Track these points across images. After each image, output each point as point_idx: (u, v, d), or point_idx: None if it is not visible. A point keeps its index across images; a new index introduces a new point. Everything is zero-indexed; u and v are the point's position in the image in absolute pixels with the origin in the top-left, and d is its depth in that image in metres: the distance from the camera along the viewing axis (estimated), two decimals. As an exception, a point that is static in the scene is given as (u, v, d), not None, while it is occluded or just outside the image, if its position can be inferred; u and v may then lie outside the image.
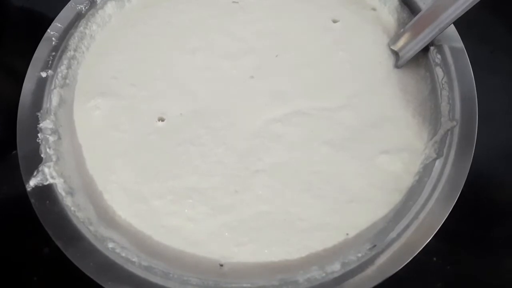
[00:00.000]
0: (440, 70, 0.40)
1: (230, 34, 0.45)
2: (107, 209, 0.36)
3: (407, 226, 0.33)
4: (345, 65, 0.43)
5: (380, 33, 0.45)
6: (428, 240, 0.32)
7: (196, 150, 0.39)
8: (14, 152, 0.36)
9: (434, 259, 0.39)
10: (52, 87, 0.40)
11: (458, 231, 0.39)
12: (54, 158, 0.36)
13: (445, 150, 0.36)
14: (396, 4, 0.45)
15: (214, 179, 0.37)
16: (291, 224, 0.35)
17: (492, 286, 0.39)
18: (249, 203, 0.36)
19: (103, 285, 0.31)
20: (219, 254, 0.34)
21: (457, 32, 0.41)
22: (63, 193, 0.35)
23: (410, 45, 0.41)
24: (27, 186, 0.34)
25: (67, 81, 0.41)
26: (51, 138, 0.37)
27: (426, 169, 0.36)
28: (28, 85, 0.39)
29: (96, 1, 0.45)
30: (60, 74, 0.41)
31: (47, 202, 0.34)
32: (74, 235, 0.33)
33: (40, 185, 0.35)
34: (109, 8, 0.46)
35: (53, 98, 0.39)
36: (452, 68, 0.39)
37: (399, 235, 0.32)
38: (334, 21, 0.45)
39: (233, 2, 0.47)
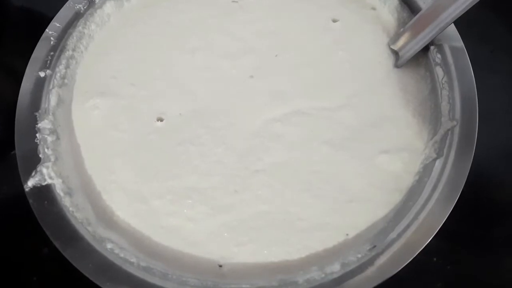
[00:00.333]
0: (440, 69, 0.39)
1: (229, 33, 0.45)
2: (106, 209, 0.36)
3: (407, 226, 0.33)
4: (344, 65, 0.43)
5: (380, 32, 0.45)
6: (429, 241, 0.32)
7: (195, 150, 0.38)
8: (13, 152, 0.36)
9: (434, 259, 0.39)
10: (51, 87, 0.40)
11: (458, 231, 0.39)
12: (52, 158, 0.36)
13: (445, 150, 0.35)
14: (396, 3, 0.45)
15: (213, 179, 0.37)
16: (291, 224, 0.35)
17: (492, 286, 0.39)
18: (249, 203, 0.36)
19: (101, 285, 0.31)
20: (218, 255, 0.34)
21: (457, 32, 0.41)
22: (62, 194, 0.35)
23: (410, 45, 0.41)
24: (25, 186, 0.34)
25: (66, 80, 0.41)
26: (50, 138, 0.37)
27: (426, 169, 0.36)
28: (26, 85, 0.39)
29: (94, 1, 0.45)
30: (58, 74, 0.41)
31: (46, 202, 0.34)
32: (73, 236, 0.33)
33: (39, 185, 0.35)
34: (108, 7, 0.46)
35: (51, 98, 0.39)
36: (452, 67, 0.39)
37: (399, 236, 0.32)
38: (334, 21, 0.45)
39: (233, 1, 0.47)
